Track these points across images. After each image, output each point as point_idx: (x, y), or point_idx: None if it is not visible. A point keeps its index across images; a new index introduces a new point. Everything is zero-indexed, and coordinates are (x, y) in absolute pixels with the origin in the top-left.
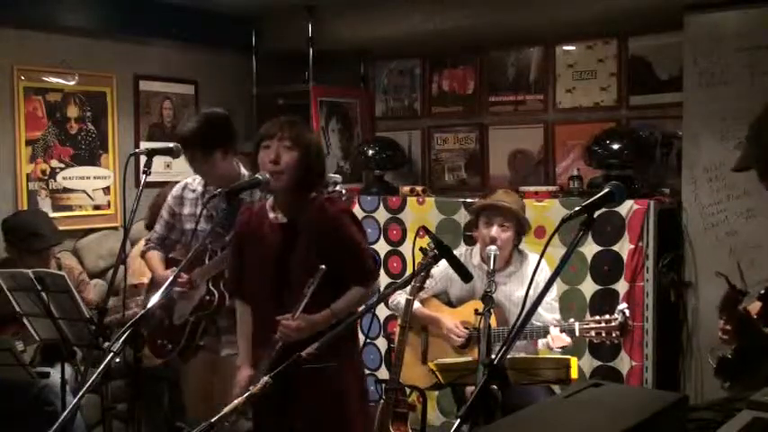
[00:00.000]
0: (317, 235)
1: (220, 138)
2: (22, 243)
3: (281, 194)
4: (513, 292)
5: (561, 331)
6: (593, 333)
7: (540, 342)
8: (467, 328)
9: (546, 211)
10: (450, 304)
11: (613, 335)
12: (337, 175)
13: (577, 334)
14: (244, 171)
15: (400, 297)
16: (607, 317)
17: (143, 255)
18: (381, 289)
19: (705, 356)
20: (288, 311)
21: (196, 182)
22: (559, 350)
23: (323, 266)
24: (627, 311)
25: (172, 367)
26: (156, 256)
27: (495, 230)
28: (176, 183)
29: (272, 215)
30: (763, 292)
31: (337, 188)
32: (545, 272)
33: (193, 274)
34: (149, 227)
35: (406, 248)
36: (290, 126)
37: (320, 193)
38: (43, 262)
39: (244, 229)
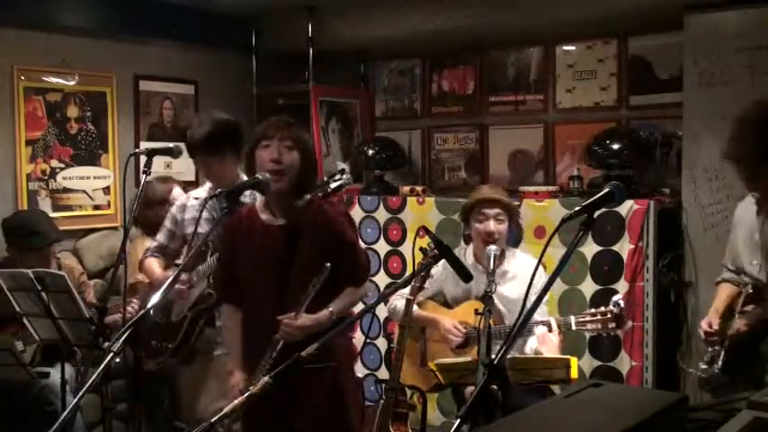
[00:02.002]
0: (318, 236)
1: (232, 142)
2: (23, 242)
3: (278, 196)
4: (503, 290)
5: (558, 325)
6: (589, 326)
7: (528, 348)
8: (465, 328)
9: (546, 211)
10: (447, 305)
11: (609, 326)
12: (344, 164)
13: (573, 327)
14: (243, 176)
15: (398, 302)
16: (602, 309)
17: (141, 264)
18: (381, 289)
19: (704, 357)
20: (285, 312)
21: (201, 190)
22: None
23: (328, 265)
24: (622, 302)
25: (169, 370)
26: (153, 263)
27: (492, 225)
28: (166, 177)
29: (264, 217)
30: (751, 291)
31: (344, 177)
32: (538, 272)
33: (196, 273)
34: (137, 219)
35: (406, 248)
36: (289, 127)
37: (318, 192)
38: (44, 261)
39: (234, 232)
